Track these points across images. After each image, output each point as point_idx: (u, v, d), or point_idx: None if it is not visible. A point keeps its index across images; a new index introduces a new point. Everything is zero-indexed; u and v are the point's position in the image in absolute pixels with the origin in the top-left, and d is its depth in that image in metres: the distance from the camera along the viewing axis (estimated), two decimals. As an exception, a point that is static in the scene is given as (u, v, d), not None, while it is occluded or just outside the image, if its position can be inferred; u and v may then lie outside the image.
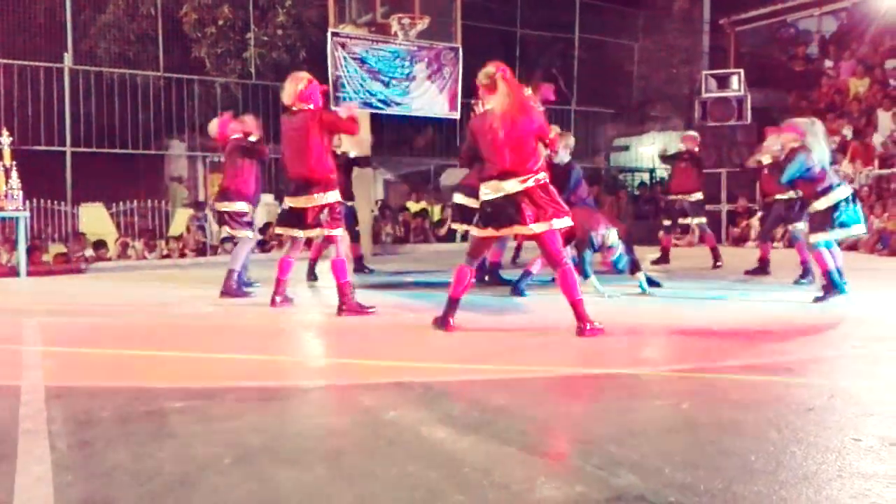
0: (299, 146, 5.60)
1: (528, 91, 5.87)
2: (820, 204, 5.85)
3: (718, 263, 9.04)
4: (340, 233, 5.69)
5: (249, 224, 6.93)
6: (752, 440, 2.60)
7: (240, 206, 6.84)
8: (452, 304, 4.83)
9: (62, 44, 11.91)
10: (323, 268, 8.69)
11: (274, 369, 3.92)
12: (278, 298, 6.01)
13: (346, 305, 5.52)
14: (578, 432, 2.77)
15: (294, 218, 5.71)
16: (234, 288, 6.73)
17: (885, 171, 12.63)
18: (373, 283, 7.82)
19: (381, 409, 3.04)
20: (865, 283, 7.30)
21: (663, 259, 9.51)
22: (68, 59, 11.73)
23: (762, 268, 8.13)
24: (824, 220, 5.82)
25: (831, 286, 5.81)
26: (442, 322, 4.81)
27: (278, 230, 6.01)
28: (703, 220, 9.54)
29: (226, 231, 7.24)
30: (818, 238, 5.84)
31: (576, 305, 4.58)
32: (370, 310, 5.60)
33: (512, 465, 2.39)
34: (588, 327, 4.54)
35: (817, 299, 5.84)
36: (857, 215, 5.90)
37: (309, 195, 5.57)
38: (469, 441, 2.63)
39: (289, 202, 5.76)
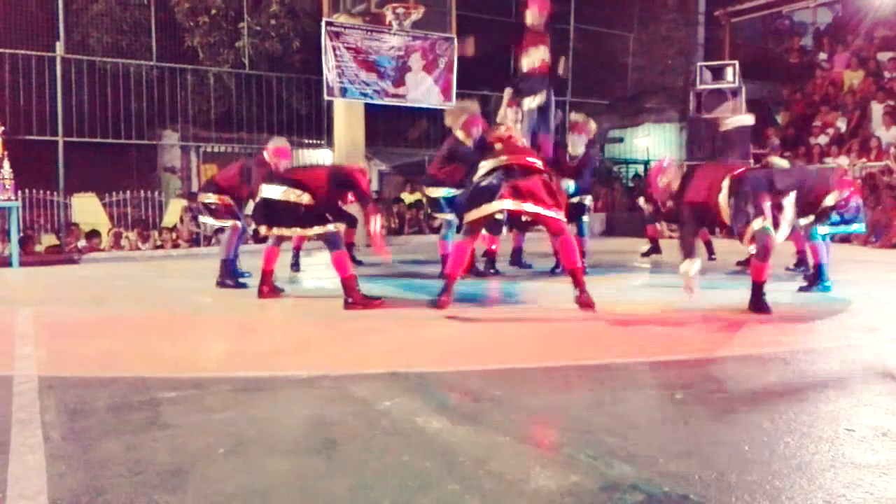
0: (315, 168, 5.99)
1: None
2: (828, 200, 6.03)
3: (713, 256, 9.07)
4: (333, 229, 5.62)
5: (234, 214, 6.91)
6: (745, 430, 2.61)
7: (223, 198, 6.86)
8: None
9: (54, 32, 11.82)
10: (309, 260, 8.69)
11: (267, 359, 3.91)
12: (265, 289, 6.04)
13: (353, 298, 5.49)
14: (573, 422, 2.77)
15: (274, 214, 5.63)
16: (230, 278, 6.74)
17: (878, 164, 12.67)
18: (367, 273, 7.81)
19: (376, 400, 3.04)
20: (859, 275, 7.33)
21: (654, 250, 9.54)
22: (60, 47, 11.63)
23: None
24: (827, 214, 6.02)
25: (818, 279, 6.01)
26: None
27: (274, 231, 5.79)
28: None
29: (210, 221, 7.25)
30: (819, 230, 6.01)
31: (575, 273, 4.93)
32: (377, 301, 5.54)
33: (507, 455, 2.39)
34: (584, 297, 4.88)
35: (802, 289, 6.08)
36: (859, 214, 6.18)
37: (290, 190, 5.55)
38: (464, 431, 2.63)
39: (271, 194, 5.64)
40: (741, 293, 6.28)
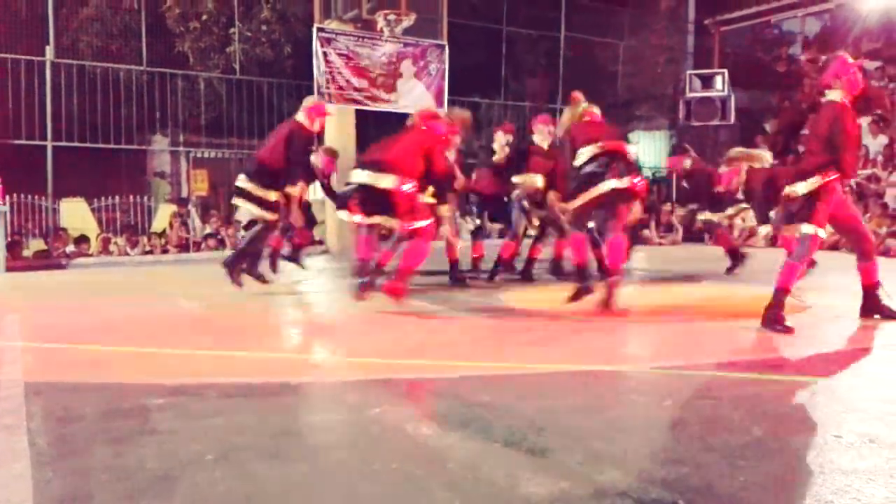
0: (401, 140, 5.60)
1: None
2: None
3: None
4: (425, 224, 5.37)
5: (281, 211, 6.60)
6: (734, 436, 2.62)
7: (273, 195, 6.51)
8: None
9: (44, 36, 11.77)
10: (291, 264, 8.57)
11: (257, 365, 3.89)
12: (368, 285, 5.58)
13: (396, 281, 5.36)
14: (562, 429, 2.77)
15: (371, 200, 5.27)
16: (254, 272, 6.63)
17: (865, 172, 12.77)
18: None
19: (366, 406, 3.03)
20: (847, 282, 7.38)
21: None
22: (50, 52, 11.59)
23: (741, 259, 8.23)
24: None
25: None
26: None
27: (370, 220, 5.36)
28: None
29: (251, 208, 6.67)
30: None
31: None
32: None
33: (497, 462, 2.39)
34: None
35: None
36: None
37: (386, 174, 5.22)
38: (454, 437, 2.63)
39: (364, 178, 5.28)
40: (730, 298, 6.32)
